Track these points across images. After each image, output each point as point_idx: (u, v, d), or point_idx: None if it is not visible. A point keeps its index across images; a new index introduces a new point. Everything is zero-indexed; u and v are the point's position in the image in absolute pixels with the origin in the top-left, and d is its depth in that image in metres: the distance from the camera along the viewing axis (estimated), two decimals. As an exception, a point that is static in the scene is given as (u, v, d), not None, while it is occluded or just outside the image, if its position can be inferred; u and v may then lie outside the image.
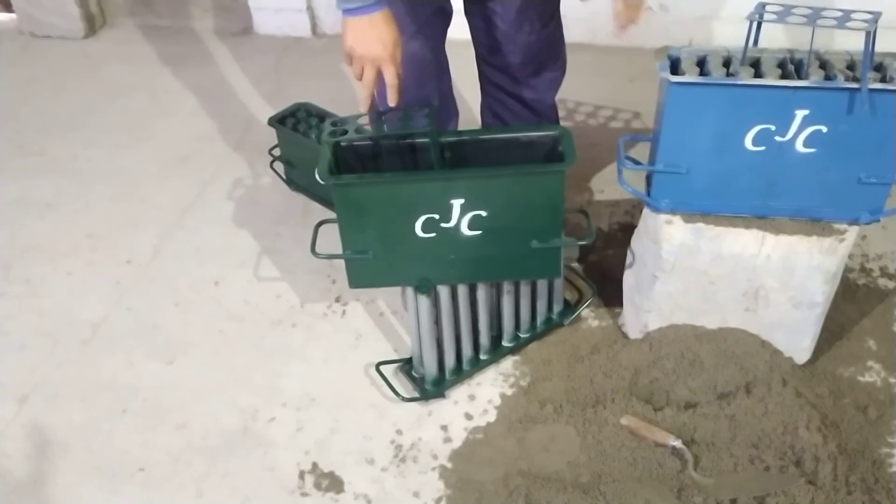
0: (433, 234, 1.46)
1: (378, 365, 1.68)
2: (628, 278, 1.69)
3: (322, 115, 2.15)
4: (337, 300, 1.88)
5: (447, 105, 1.79)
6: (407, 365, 1.69)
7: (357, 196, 1.42)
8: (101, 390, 1.71)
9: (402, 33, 1.48)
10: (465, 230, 1.46)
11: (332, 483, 1.50)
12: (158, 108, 2.67)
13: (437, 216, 1.44)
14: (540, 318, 1.74)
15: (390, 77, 1.40)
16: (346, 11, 1.37)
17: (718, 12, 2.68)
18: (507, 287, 1.63)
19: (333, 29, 3.07)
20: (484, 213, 1.44)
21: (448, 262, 1.50)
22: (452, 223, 1.45)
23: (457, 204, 1.42)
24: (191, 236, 2.10)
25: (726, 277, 1.51)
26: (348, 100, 2.22)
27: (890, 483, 1.42)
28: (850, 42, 1.40)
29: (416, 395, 1.63)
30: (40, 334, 1.85)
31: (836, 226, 1.43)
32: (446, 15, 1.68)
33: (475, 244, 1.48)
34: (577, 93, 2.19)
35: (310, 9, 3.01)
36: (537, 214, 1.47)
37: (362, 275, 1.52)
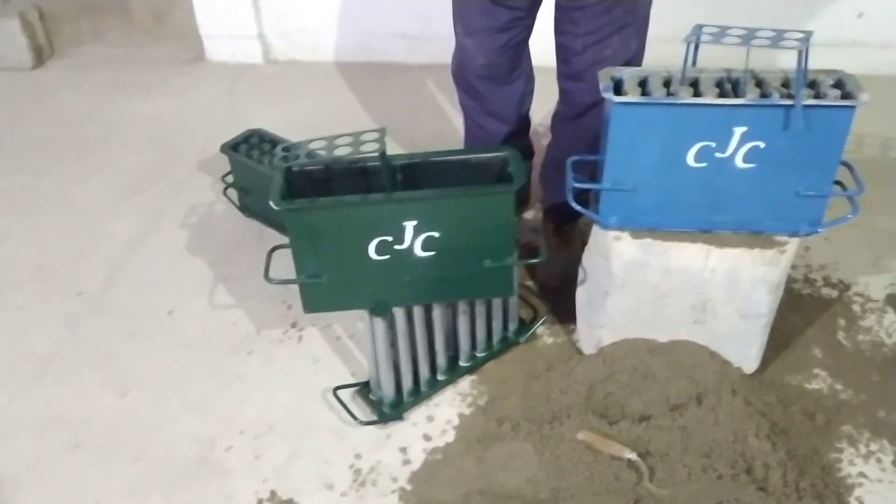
0: (387, 257, 1.47)
1: (335, 389, 1.68)
2: (581, 295, 1.72)
3: (275, 141, 2.15)
4: (293, 325, 1.88)
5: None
6: (365, 388, 1.69)
7: (310, 220, 1.42)
8: (55, 425, 1.68)
9: None
10: (418, 251, 1.47)
11: (291, 510, 1.49)
12: (110, 137, 2.65)
13: (390, 238, 1.45)
14: (496, 337, 1.76)
15: None
16: None
17: (665, 34, 2.76)
18: (462, 307, 1.64)
19: (286, 56, 3.08)
20: (437, 235, 1.46)
21: (403, 284, 1.51)
22: (406, 245, 1.46)
23: (409, 226, 1.44)
24: (144, 266, 2.08)
25: (675, 291, 1.54)
26: (301, 125, 2.23)
27: (839, 487, 1.46)
28: (785, 60, 1.45)
29: (374, 418, 1.63)
30: (-10, 369, 1.82)
31: (778, 238, 1.48)
32: None
33: (429, 265, 1.49)
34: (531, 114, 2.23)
35: (261, 36, 3.02)
36: (489, 234, 1.49)
37: (317, 299, 1.52)
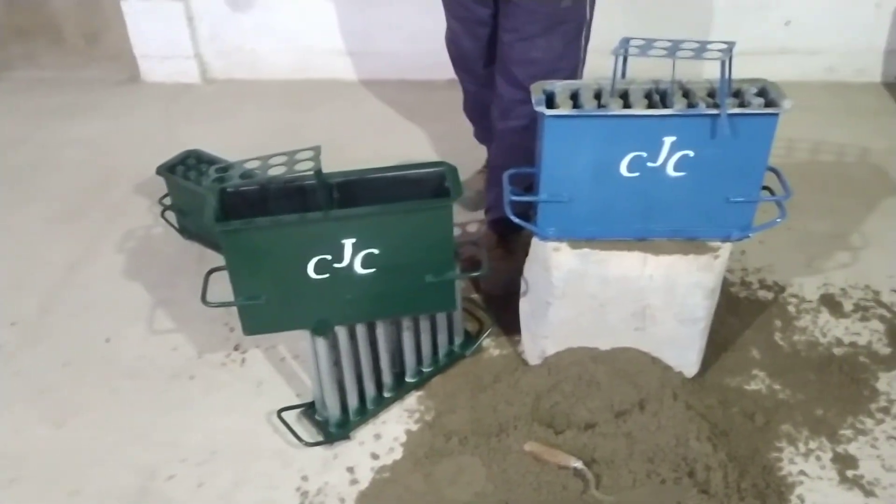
0: (327, 275, 1.46)
1: (280, 411, 1.66)
2: (524, 306, 1.73)
3: (212, 162, 2.12)
4: (236, 348, 1.85)
5: None
6: (310, 409, 1.67)
7: (245, 241, 1.41)
8: (-13, 461, 1.62)
9: None
10: (358, 269, 1.47)
11: (237, 537, 1.47)
12: (43, 162, 2.59)
13: (329, 257, 1.44)
14: (442, 351, 1.76)
15: None
16: None
17: (599, 47, 2.81)
18: (406, 323, 1.64)
19: (224, 74, 3.05)
20: (376, 251, 1.45)
21: (344, 302, 1.50)
22: (345, 263, 1.45)
23: (348, 243, 1.43)
24: (80, 293, 2.03)
25: (615, 299, 1.56)
26: (241, 145, 2.21)
27: (780, 486, 1.49)
28: (713, 70, 1.49)
29: (321, 438, 1.62)
30: (-82, 407, 1.75)
31: (711, 244, 1.51)
32: None
33: (370, 282, 1.49)
34: (469, 129, 2.25)
35: (198, 55, 2.99)
36: (429, 249, 1.49)
37: (256, 321, 1.50)
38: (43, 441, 1.66)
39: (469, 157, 2.44)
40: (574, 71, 1.77)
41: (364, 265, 1.46)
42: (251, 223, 1.39)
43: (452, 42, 1.99)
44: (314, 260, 1.44)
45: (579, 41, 1.77)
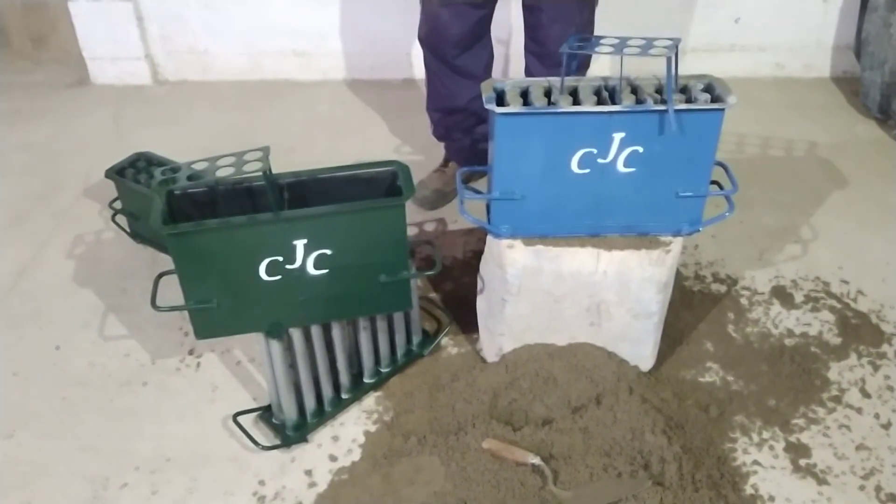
0: (279, 277, 1.44)
1: (235, 416, 1.63)
2: (481, 304, 1.73)
3: (162, 164, 2.09)
4: (190, 353, 1.82)
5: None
6: (267, 412, 1.65)
7: (194, 244, 1.38)
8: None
9: None
10: (311, 270, 1.45)
11: (193, 545, 1.44)
12: (-12, 167, 2.52)
13: (280, 258, 1.42)
14: (400, 351, 1.75)
15: None
16: None
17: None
18: (363, 323, 1.63)
19: (175, 75, 3.01)
20: (329, 252, 1.44)
21: (298, 304, 1.49)
22: (297, 264, 1.44)
23: (300, 244, 1.42)
24: (27, 301, 1.99)
25: (569, 295, 1.57)
26: (192, 147, 2.18)
27: (735, 476, 1.51)
28: (659, 68, 1.50)
29: (278, 442, 1.60)
30: None
31: (662, 238, 1.53)
32: None
33: (323, 283, 1.48)
34: (426, 128, 2.24)
35: (149, 56, 2.94)
36: (382, 249, 1.48)
37: (208, 325, 1.48)
38: (-9, 454, 1.61)
39: (426, 155, 2.45)
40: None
41: (317, 266, 1.45)
42: (199, 226, 1.37)
43: (435, 31, 1.99)
44: (265, 262, 1.42)
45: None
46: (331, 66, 2.96)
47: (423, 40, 2.04)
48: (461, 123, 2.15)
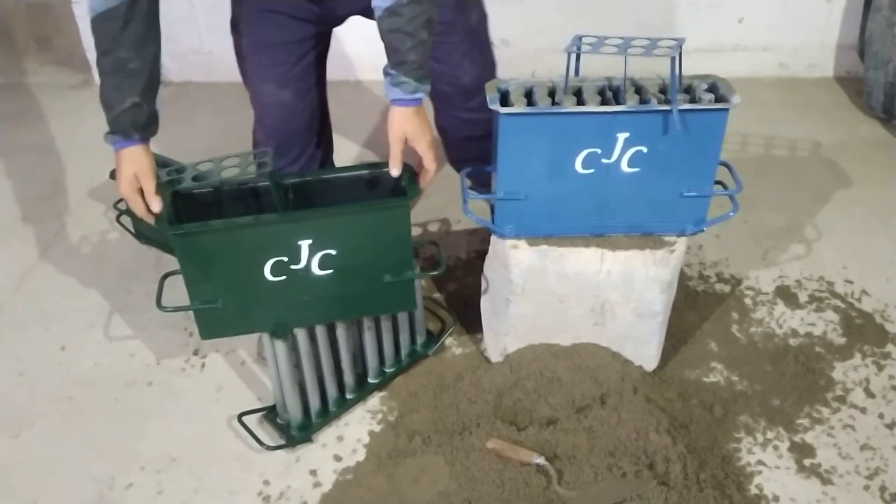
0: (284, 277, 1.45)
1: (240, 416, 1.64)
2: (485, 304, 1.74)
3: (166, 165, 2.08)
4: (195, 353, 1.83)
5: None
6: (271, 412, 1.66)
7: (200, 244, 1.39)
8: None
9: (267, 82, 1.62)
10: (316, 270, 1.46)
11: (198, 544, 1.45)
12: (-7, 168, 2.53)
13: (285, 258, 1.43)
14: (404, 351, 1.75)
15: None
16: None
17: (557, 45, 2.83)
18: (367, 323, 1.63)
19: (179, 77, 3.01)
20: (334, 252, 1.45)
21: (302, 304, 1.49)
22: (302, 264, 1.44)
23: (305, 244, 1.42)
24: (33, 301, 1.99)
25: (573, 295, 1.57)
26: (196, 148, 2.19)
27: (739, 476, 1.51)
28: (663, 68, 1.50)
29: (282, 442, 1.60)
30: None
31: (666, 238, 1.53)
32: (319, 58, 1.76)
33: (328, 283, 1.48)
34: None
35: (153, 57, 2.94)
36: (387, 249, 1.48)
37: (213, 325, 1.48)
38: (-4, 453, 1.62)
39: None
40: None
41: (321, 266, 1.46)
42: (205, 226, 1.38)
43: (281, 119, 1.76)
44: (270, 262, 1.42)
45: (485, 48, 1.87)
46: (334, 68, 2.96)
47: (274, 134, 1.79)
48: None
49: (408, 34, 1.38)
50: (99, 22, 1.34)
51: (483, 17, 1.83)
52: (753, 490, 1.49)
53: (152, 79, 1.42)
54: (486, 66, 1.85)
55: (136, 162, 1.42)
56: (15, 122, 2.76)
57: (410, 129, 1.47)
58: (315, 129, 1.82)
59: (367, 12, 1.60)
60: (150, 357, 1.82)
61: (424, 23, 1.39)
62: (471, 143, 1.90)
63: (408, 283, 1.55)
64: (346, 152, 2.51)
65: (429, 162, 1.50)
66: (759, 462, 1.54)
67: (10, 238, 2.22)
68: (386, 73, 1.44)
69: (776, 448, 1.57)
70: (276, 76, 1.70)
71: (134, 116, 1.40)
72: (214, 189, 1.49)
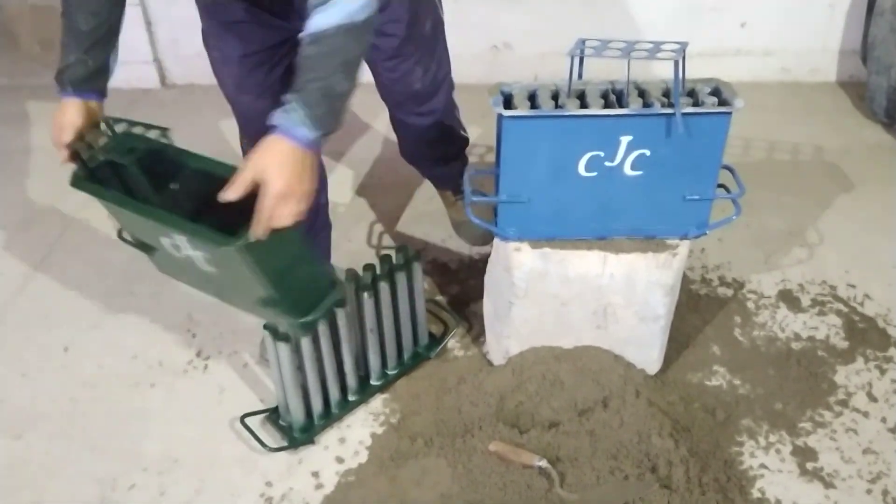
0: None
1: (243, 417, 1.64)
2: (487, 306, 1.74)
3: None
4: (198, 355, 1.83)
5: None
6: (274, 414, 1.66)
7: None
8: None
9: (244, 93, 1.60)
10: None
11: (201, 546, 1.45)
12: (-2, 170, 2.54)
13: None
14: (407, 354, 1.76)
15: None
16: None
17: (559, 49, 2.83)
18: (370, 325, 1.63)
19: (183, 79, 3.02)
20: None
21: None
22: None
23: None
24: (36, 302, 2.00)
25: (576, 298, 1.58)
26: (199, 151, 2.18)
27: (742, 480, 1.51)
28: (668, 72, 1.51)
29: (285, 444, 1.60)
30: None
31: (669, 242, 1.53)
32: None
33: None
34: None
35: (157, 60, 2.96)
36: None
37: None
38: (0, 453, 1.62)
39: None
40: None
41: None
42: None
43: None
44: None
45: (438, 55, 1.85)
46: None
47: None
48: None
49: (320, 66, 1.23)
50: None
51: (438, 23, 1.81)
52: (756, 494, 1.49)
53: (103, 38, 1.44)
54: (440, 70, 1.86)
55: (64, 113, 1.42)
56: (18, 124, 2.77)
57: (271, 165, 1.22)
58: None
59: None
60: (152, 358, 1.82)
61: (341, 64, 1.24)
62: (422, 145, 1.99)
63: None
64: (355, 154, 2.51)
65: (257, 221, 1.22)
66: (762, 466, 1.54)
67: (13, 240, 2.22)
68: (282, 100, 1.26)
69: (779, 452, 1.57)
70: (251, 87, 1.65)
71: (73, 72, 1.42)
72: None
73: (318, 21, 1.22)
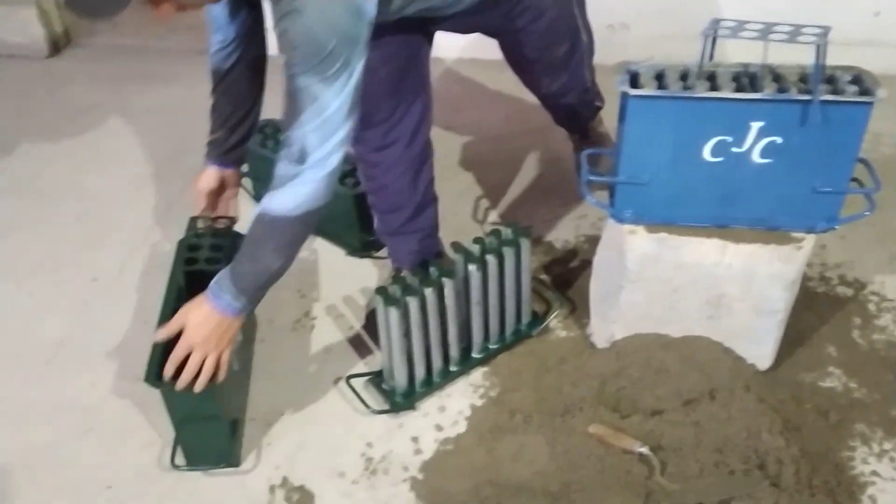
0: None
1: (348, 378, 1.68)
2: (594, 288, 1.72)
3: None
4: (306, 315, 1.88)
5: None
6: (377, 378, 1.69)
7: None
8: (66, 410, 1.68)
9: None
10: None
11: (303, 497, 1.50)
12: (123, 127, 2.66)
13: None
14: (509, 330, 1.76)
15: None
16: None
17: (677, 30, 2.75)
18: (476, 298, 1.64)
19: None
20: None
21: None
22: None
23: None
24: (158, 253, 2.09)
25: (689, 286, 1.54)
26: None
27: (852, 485, 1.45)
28: (802, 58, 1.44)
29: (387, 407, 1.64)
30: (2, 354, 1.83)
31: (794, 234, 1.47)
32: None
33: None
34: (542, 108, 2.22)
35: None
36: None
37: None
38: (119, 394, 1.72)
39: (544, 136, 2.43)
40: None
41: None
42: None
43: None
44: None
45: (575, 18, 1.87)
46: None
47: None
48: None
49: (259, 245, 1.36)
50: (210, 71, 1.65)
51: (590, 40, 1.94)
52: (866, 501, 1.43)
53: (242, 119, 1.68)
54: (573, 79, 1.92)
55: (201, 178, 1.69)
56: (145, 83, 2.89)
57: (192, 320, 1.40)
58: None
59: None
60: (262, 315, 1.88)
61: (281, 246, 1.36)
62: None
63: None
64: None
65: (169, 361, 1.41)
66: (874, 473, 1.48)
67: (138, 193, 2.33)
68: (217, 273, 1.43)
69: (892, 459, 1.50)
70: None
71: (215, 146, 1.68)
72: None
73: (275, 202, 1.33)
